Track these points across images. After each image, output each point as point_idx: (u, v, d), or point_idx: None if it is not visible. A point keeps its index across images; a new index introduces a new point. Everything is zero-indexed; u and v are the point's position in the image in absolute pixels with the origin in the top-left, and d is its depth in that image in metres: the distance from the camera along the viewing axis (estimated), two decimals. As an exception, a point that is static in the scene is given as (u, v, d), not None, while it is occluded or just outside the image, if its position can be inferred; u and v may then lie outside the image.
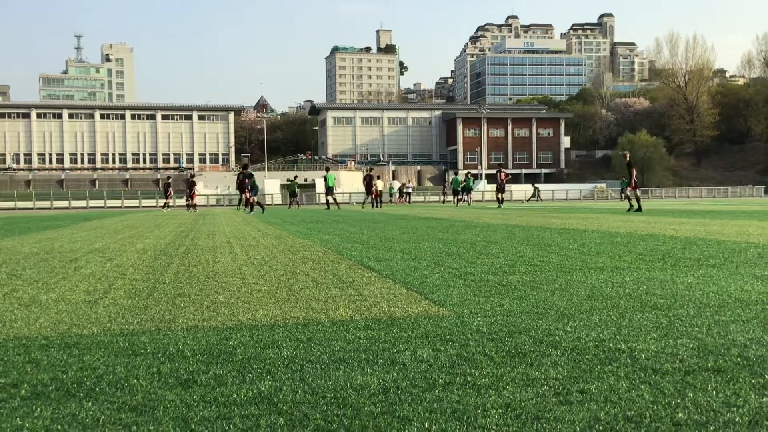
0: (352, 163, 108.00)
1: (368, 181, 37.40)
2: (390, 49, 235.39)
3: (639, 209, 22.04)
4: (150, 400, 2.27)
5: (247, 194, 28.88)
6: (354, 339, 3.15)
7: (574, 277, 5.21)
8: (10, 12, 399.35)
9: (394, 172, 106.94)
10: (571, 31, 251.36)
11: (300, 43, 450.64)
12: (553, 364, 2.67)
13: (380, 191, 38.53)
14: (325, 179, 35.10)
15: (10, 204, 69.52)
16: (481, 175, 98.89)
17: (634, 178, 22.53)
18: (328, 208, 34.72)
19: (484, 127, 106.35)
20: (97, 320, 3.68)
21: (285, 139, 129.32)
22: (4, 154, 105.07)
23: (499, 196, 32.62)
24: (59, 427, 2.01)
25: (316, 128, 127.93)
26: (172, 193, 41.45)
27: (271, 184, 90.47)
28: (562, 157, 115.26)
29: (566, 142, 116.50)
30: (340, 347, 2.99)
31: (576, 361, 2.70)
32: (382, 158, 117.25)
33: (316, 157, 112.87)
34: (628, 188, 23.66)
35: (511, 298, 4.23)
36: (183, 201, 41.09)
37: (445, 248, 7.96)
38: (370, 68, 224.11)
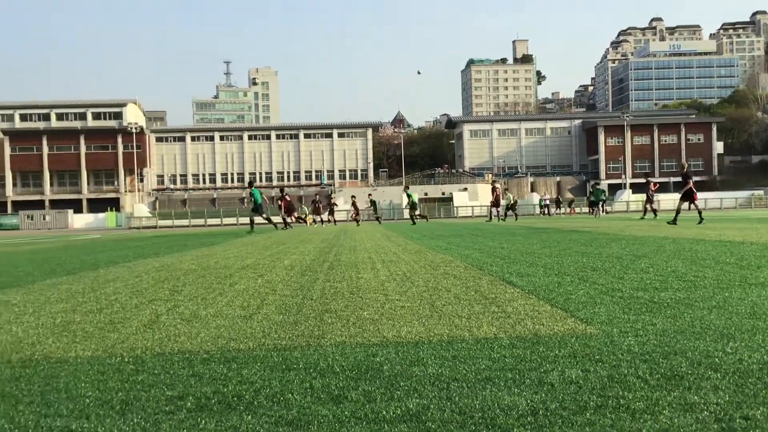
0: (490, 175, 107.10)
1: (494, 192, 37.48)
2: (526, 59, 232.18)
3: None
4: (304, 414, 2.36)
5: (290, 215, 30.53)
6: (499, 357, 3.13)
7: (732, 293, 4.90)
8: (166, 43, 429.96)
9: (532, 184, 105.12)
10: (721, 31, 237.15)
11: (435, 58, 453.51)
12: (713, 387, 2.53)
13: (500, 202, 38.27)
14: (409, 196, 36.82)
15: (169, 222, 74.60)
16: (624, 184, 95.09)
17: None
18: (414, 223, 35.53)
19: (628, 135, 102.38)
20: (252, 335, 3.87)
21: (422, 153, 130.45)
22: (162, 176, 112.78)
23: (648, 206, 31.19)
24: (223, 439, 2.14)
25: (453, 141, 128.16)
26: (320, 208, 42.94)
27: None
28: (714, 163, 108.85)
29: (718, 147, 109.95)
30: (485, 366, 2.98)
31: (738, 385, 2.55)
32: (519, 170, 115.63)
33: (453, 171, 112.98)
34: None
35: (663, 317, 4.04)
36: (325, 216, 42.35)
37: (589, 263, 7.72)
38: (506, 79, 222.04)
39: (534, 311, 4.38)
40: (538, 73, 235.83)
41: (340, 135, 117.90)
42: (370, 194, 50.72)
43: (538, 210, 70.55)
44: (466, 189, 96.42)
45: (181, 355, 3.40)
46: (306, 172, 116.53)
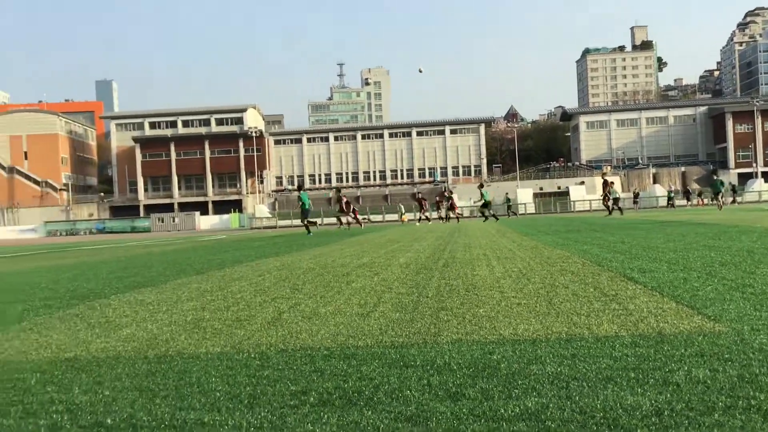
0: (609, 168, 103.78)
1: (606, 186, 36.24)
2: (646, 46, 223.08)
3: None
4: (423, 411, 2.39)
5: (347, 215, 30.24)
6: (621, 356, 3.05)
7: None
8: (282, 49, 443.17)
9: (654, 176, 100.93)
10: None
11: (548, 49, 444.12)
12: None
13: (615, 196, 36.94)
14: (482, 195, 37.13)
15: (287, 222, 76.87)
16: (756, 173, 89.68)
17: None
18: (486, 219, 36.28)
19: (759, 121, 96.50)
20: (370, 332, 3.95)
21: (536, 147, 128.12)
22: (281, 177, 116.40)
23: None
24: (345, 433, 2.20)
25: (568, 134, 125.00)
26: (427, 206, 42.91)
27: (523, 193, 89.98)
28: None
29: None
30: (606, 365, 2.91)
31: None
32: (640, 161, 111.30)
33: (569, 164, 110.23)
34: None
35: (800, 314, 3.80)
36: (436, 214, 42.25)
37: (717, 257, 7.36)
38: (624, 67, 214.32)
39: (658, 308, 4.23)
40: (659, 59, 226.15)
41: (453, 131, 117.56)
42: (449, 191, 50.05)
43: (663, 203, 67.66)
44: (583, 182, 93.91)
45: (303, 352, 3.52)
46: (419, 169, 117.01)
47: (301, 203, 27.75)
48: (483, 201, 37.14)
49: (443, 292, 5.63)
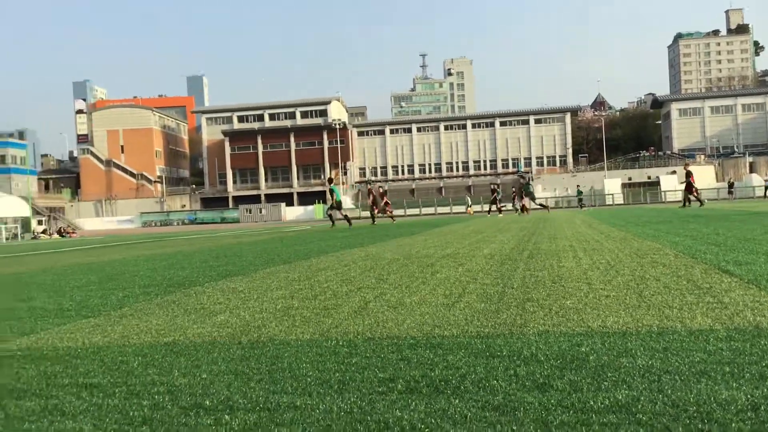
0: (702, 157, 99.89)
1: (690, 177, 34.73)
2: (742, 29, 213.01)
3: None
4: (510, 401, 2.41)
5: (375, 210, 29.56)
6: (715, 350, 2.97)
7: None
8: (365, 42, 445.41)
9: (751, 164, 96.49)
10: None
11: (638, 35, 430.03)
12: None
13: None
14: (527, 186, 38.36)
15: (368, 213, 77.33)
16: None
17: None
18: (521, 214, 37.36)
19: None
20: (455, 322, 3.98)
21: (625, 136, 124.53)
22: (364, 168, 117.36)
23: None
24: (433, 421, 2.24)
25: (659, 122, 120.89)
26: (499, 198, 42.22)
27: (611, 183, 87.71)
28: None
29: None
30: (700, 358, 2.84)
31: None
32: (736, 149, 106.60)
33: (659, 153, 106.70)
34: None
35: None
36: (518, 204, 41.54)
37: (820, 250, 7.01)
38: (719, 52, 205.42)
39: (755, 302, 4.08)
40: (756, 43, 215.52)
41: (537, 121, 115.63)
42: (526, 178, 49.05)
43: (760, 193, 64.68)
44: (674, 172, 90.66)
45: (390, 340, 3.57)
46: (502, 160, 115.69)
47: (334, 196, 27.99)
48: (527, 192, 38.20)
49: (528, 283, 5.59)
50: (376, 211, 32.43)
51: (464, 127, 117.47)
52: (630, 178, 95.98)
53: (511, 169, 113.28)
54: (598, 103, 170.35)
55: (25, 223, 68.19)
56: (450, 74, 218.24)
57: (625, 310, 4.10)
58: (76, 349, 3.80)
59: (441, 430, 2.14)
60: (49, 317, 5.09)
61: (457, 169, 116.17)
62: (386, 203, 35.99)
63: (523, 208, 39.35)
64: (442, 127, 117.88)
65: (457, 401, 2.43)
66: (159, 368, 3.22)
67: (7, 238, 57.75)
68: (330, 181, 29.91)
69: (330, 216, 28.09)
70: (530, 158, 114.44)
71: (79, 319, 4.90)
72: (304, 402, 2.53)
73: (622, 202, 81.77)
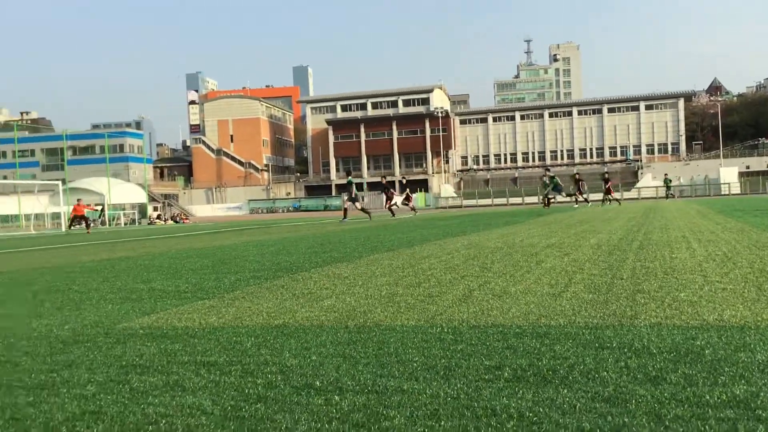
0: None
1: None
2: None
3: None
4: (621, 393, 2.36)
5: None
6: None
7: None
8: (467, 28, 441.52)
9: None
10: None
11: (758, 16, 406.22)
12: None
13: None
14: (552, 178, 38.00)
15: (472, 201, 77.00)
16: None
17: None
18: (547, 206, 36.63)
19: None
20: (562, 312, 3.92)
21: (742, 122, 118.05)
22: (466, 157, 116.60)
23: None
24: (540, 410, 2.23)
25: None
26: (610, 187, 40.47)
27: (727, 172, 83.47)
28: None
29: None
30: (827, 357, 2.69)
31: None
32: None
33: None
34: None
35: None
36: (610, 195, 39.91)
37: None
38: None
39: None
40: None
41: (648, 107, 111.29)
42: (547, 170, 46.96)
43: None
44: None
45: (495, 329, 3.56)
46: (610, 148, 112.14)
47: (352, 189, 27.92)
48: (553, 183, 38.33)
49: (639, 274, 5.43)
50: (387, 205, 31.87)
51: (570, 114, 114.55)
52: (748, 167, 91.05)
53: (619, 157, 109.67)
54: (714, 88, 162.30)
55: (142, 209, 71.79)
56: (556, 60, 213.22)
57: (743, 303, 3.92)
58: (193, 328, 4.00)
59: (549, 420, 2.12)
60: (168, 298, 5.37)
61: (562, 158, 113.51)
62: (407, 197, 35.42)
63: (548, 202, 37.77)
64: (546, 115, 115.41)
65: (565, 391, 2.41)
66: (271, 349, 3.34)
67: (125, 224, 61.02)
68: (348, 173, 30.13)
69: (345, 210, 28.06)
70: (639, 146, 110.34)
71: (195, 301, 5.14)
72: (411, 386, 2.57)
73: (738, 191, 77.70)
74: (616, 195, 40.59)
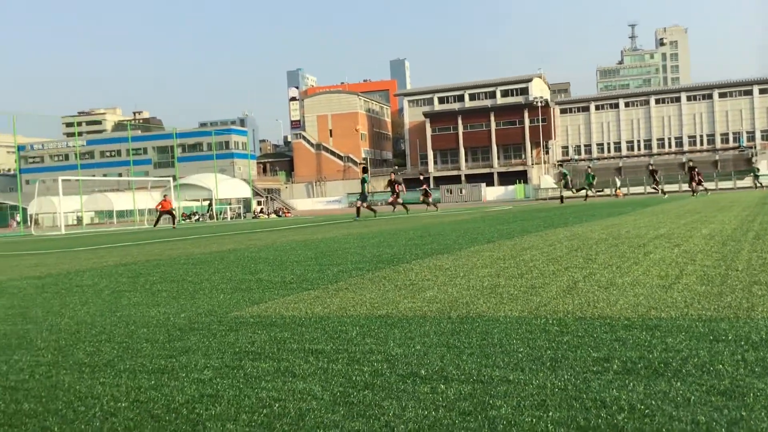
0: None
1: None
2: None
3: None
4: (738, 386, 2.27)
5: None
6: None
7: None
8: (568, 14, 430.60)
9: None
10: None
11: None
12: None
13: None
14: (587, 176, 37.70)
15: (567, 193, 75.08)
16: None
17: None
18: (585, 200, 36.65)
19: None
20: (673, 304, 3.80)
21: None
22: (567, 147, 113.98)
23: None
24: (653, 402, 2.18)
25: None
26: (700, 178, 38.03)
27: None
28: None
29: None
30: None
31: None
32: None
33: None
34: None
35: None
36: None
37: None
38: None
39: None
40: None
41: (762, 91, 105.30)
42: (563, 165, 44.43)
43: None
44: None
45: (602, 320, 3.49)
46: (722, 134, 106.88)
47: (364, 186, 27.34)
48: (587, 182, 38.69)
49: (755, 265, 5.18)
50: (390, 200, 30.42)
51: (678, 100, 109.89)
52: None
53: (731, 144, 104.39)
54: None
55: (247, 204, 74.15)
56: (662, 44, 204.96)
57: None
58: (300, 318, 4.12)
59: (662, 412, 2.07)
60: (275, 289, 5.55)
61: (669, 146, 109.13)
62: (426, 193, 33.99)
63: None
64: (652, 101, 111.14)
65: (678, 384, 2.34)
66: (375, 338, 3.40)
67: (231, 218, 63.21)
68: (365, 170, 29.44)
69: (358, 208, 27.41)
70: (753, 132, 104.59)
71: (300, 291, 5.28)
72: (516, 377, 2.56)
73: None
74: (706, 185, 38.37)
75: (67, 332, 4.10)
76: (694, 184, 35.74)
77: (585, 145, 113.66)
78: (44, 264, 10.21)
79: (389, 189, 30.34)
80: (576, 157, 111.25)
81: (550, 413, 2.13)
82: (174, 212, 36.10)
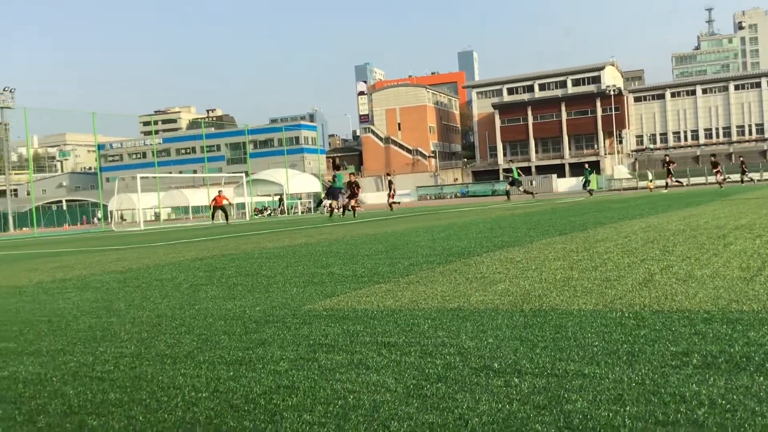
0: None
1: None
2: None
3: None
4: (827, 383, 2.19)
5: (344, 200, 25.51)
6: None
7: None
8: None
9: None
10: None
11: None
12: None
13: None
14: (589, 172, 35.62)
15: (642, 183, 73.18)
16: None
17: None
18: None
19: None
20: (755, 297, 3.67)
21: None
22: (641, 136, 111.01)
23: None
24: (734, 398, 2.12)
25: None
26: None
27: None
28: None
29: None
30: None
31: None
32: None
33: None
34: None
35: None
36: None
37: None
38: None
39: None
40: None
41: None
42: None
43: None
44: None
45: (680, 314, 3.41)
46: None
47: (335, 181, 26.30)
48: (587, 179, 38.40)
49: None
50: (352, 202, 28.23)
51: (758, 85, 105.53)
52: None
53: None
54: None
55: (317, 198, 75.07)
56: (740, 28, 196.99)
57: None
58: (372, 311, 4.16)
59: (744, 408, 2.02)
60: (346, 282, 5.61)
61: (750, 133, 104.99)
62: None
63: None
64: (731, 87, 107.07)
65: (761, 379, 2.27)
66: (447, 331, 3.41)
67: (302, 212, 64.12)
68: (336, 167, 27.40)
69: (331, 209, 26.22)
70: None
71: (371, 285, 5.33)
72: (592, 371, 2.53)
73: None
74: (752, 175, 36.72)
75: (149, 325, 4.26)
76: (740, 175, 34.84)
77: (660, 134, 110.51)
78: (125, 259, 10.59)
79: (348, 190, 28.14)
80: (651, 146, 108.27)
81: (627, 408, 2.10)
82: (227, 208, 36.49)
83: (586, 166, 42.64)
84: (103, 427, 2.30)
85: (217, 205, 35.81)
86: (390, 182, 35.84)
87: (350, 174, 27.50)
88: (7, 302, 5.92)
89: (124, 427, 2.29)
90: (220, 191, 37.43)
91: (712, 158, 38.88)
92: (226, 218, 36.28)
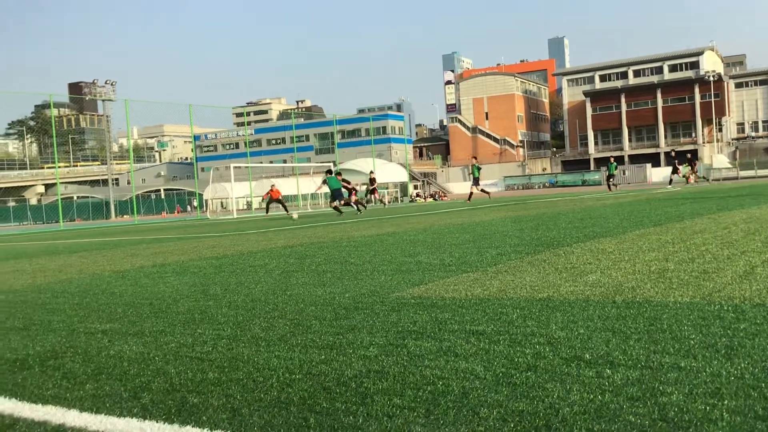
0: None
1: None
2: None
3: None
4: None
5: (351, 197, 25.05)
6: None
7: None
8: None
9: None
10: None
11: None
12: None
13: None
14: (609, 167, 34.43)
15: (751, 172, 69.94)
16: None
17: None
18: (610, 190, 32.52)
19: None
20: None
21: None
22: (743, 123, 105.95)
23: None
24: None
25: None
26: None
27: None
28: None
29: None
30: None
31: None
32: None
33: None
34: None
35: None
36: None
37: None
38: None
39: None
40: None
41: None
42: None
43: None
44: None
45: (784, 308, 3.26)
46: None
47: (328, 187, 25.70)
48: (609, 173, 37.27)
49: None
50: (353, 199, 27.41)
51: None
52: None
53: None
54: None
55: (404, 188, 75.29)
56: None
57: None
58: (460, 299, 4.17)
59: None
60: (434, 271, 5.63)
61: None
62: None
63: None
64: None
65: None
66: (537, 321, 3.39)
67: (389, 201, 64.45)
68: (329, 172, 26.66)
69: (336, 207, 25.45)
70: None
71: (459, 273, 5.33)
72: (688, 364, 2.47)
73: None
74: None
75: (244, 308, 4.41)
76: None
77: (763, 122, 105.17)
78: (220, 246, 10.95)
79: (345, 189, 27.71)
80: (753, 134, 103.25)
81: (725, 401, 2.04)
82: (283, 200, 36.60)
83: (612, 160, 40.99)
84: (203, 405, 2.41)
85: (273, 198, 35.92)
86: (476, 169, 34.34)
87: (337, 174, 27.81)
88: (111, 286, 6.24)
89: (222, 405, 2.39)
90: (273, 185, 37.53)
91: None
92: (285, 210, 36.45)
